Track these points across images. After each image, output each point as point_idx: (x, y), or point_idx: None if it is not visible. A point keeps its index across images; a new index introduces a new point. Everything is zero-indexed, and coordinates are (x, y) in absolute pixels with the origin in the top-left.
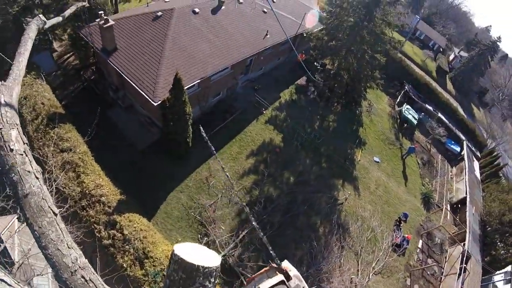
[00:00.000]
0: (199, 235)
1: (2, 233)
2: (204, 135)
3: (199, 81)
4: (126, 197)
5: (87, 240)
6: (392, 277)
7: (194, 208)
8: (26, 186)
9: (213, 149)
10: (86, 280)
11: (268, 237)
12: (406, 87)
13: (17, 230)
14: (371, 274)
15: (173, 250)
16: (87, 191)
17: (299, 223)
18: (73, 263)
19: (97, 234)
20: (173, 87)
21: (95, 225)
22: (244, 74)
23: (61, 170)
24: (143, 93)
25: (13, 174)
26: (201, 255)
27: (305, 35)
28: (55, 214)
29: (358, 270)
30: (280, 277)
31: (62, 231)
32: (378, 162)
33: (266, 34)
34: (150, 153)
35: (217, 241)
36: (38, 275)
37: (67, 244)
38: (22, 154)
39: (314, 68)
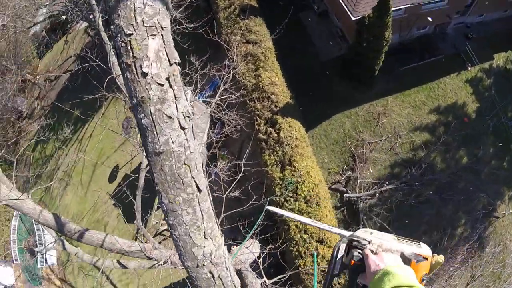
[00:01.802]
0: (344, 166)
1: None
2: None
3: (408, 6)
4: (294, 103)
5: (245, 129)
6: None
7: (353, 138)
8: (161, 140)
9: None
10: (213, 277)
11: (406, 205)
12: None
13: (189, 102)
14: None
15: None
16: (261, 85)
17: (444, 210)
18: (204, 256)
19: (256, 127)
20: (378, 4)
21: (257, 117)
22: (460, 14)
23: (242, 60)
24: (342, 3)
25: (143, 115)
26: None
27: None
28: (199, 190)
29: None
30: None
31: (202, 214)
32: None
33: None
34: (330, 67)
35: (358, 181)
36: None
37: (204, 232)
38: (162, 84)
39: None
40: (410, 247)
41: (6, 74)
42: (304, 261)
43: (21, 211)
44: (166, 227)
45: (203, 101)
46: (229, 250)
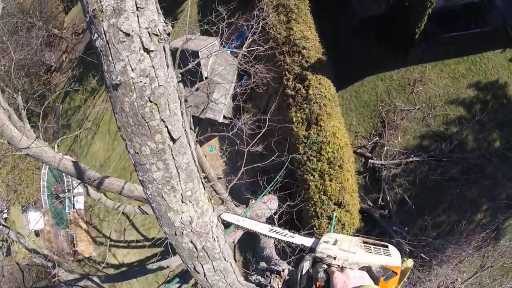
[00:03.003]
0: (373, 131)
1: (201, 50)
2: None
3: None
4: (326, 59)
5: (272, 83)
6: None
7: (385, 103)
8: (117, 67)
9: None
10: (196, 248)
11: (430, 180)
12: None
13: (215, 52)
14: None
15: None
16: (292, 39)
17: (468, 193)
18: (182, 224)
19: (284, 82)
20: None
21: (286, 72)
22: None
23: (273, 11)
24: None
25: (96, 36)
26: None
27: None
28: (172, 139)
29: (467, 280)
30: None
31: (178, 171)
32: None
33: None
34: (367, 26)
35: (385, 148)
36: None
37: (182, 195)
38: None
39: None
40: (378, 258)
41: (32, 30)
42: (319, 222)
43: (41, 160)
44: None
45: (230, 52)
46: (247, 203)
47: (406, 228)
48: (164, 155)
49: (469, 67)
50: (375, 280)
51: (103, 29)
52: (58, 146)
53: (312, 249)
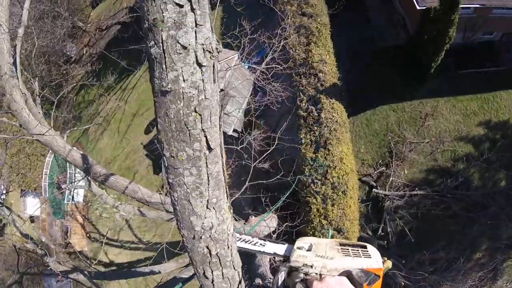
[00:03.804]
0: (380, 160)
1: (220, 62)
2: None
3: (478, 6)
4: (341, 85)
5: (287, 102)
6: None
7: (395, 134)
8: (170, 75)
9: None
10: (210, 254)
11: (432, 215)
12: None
13: (234, 66)
14: None
15: None
16: (310, 61)
17: (469, 230)
18: (203, 229)
19: (297, 102)
20: None
21: (301, 93)
22: None
23: (295, 32)
24: None
25: (153, 43)
26: None
27: None
28: (209, 148)
29: None
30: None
31: (209, 179)
32: None
33: None
34: (384, 55)
35: (391, 178)
36: None
37: (207, 201)
38: (181, 5)
39: None
40: (358, 261)
41: (57, 20)
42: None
43: (50, 148)
44: None
45: (248, 67)
46: (246, 218)
47: (404, 261)
48: (199, 162)
49: (482, 105)
50: (358, 286)
51: (162, 38)
52: (66, 137)
53: (286, 257)
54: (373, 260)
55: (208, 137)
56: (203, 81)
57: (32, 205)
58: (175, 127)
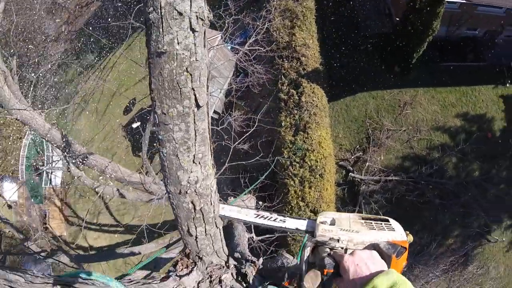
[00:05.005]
0: (357, 146)
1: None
2: None
3: (464, 1)
4: (323, 70)
5: (268, 85)
6: None
7: (373, 120)
8: (166, 38)
9: None
10: (194, 209)
11: (406, 201)
12: None
13: (216, 46)
14: None
15: None
16: (293, 45)
17: (441, 217)
18: (189, 183)
19: (279, 85)
20: None
21: (282, 76)
22: None
23: (280, 15)
24: None
25: (151, 9)
26: None
27: None
28: (197, 105)
29: None
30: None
31: (196, 134)
32: None
33: None
34: (368, 43)
35: (367, 164)
36: None
37: (194, 156)
38: None
39: None
40: (384, 234)
41: None
42: None
43: (30, 126)
44: None
45: (231, 48)
46: (226, 200)
47: None
48: (187, 118)
49: (460, 98)
50: (387, 258)
51: (160, 5)
52: (44, 117)
53: (309, 232)
54: (397, 233)
55: (197, 95)
56: (195, 44)
57: (10, 190)
58: (167, 85)
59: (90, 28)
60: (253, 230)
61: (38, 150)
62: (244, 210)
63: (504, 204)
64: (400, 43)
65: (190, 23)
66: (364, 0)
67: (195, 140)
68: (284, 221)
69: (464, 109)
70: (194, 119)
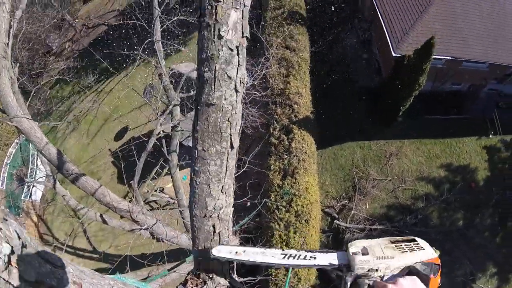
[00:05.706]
0: (343, 194)
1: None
2: None
3: (450, 58)
4: (313, 118)
5: (260, 128)
6: None
7: (359, 170)
8: (216, 94)
9: None
10: (214, 231)
11: None
12: None
13: None
14: None
15: None
16: (287, 92)
17: None
18: (214, 209)
19: (270, 130)
20: (421, 49)
21: (275, 121)
22: (498, 81)
23: (277, 63)
24: (387, 37)
25: (207, 69)
26: None
27: None
28: (232, 147)
29: None
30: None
31: (227, 169)
32: None
33: None
34: (357, 95)
35: (352, 212)
36: None
37: (222, 186)
38: (232, 50)
39: None
40: (417, 255)
41: (48, 8)
42: (277, 272)
43: (28, 137)
44: (155, 198)
45: None
46: None
47: None
48: (223, 156)
49: (444, 149)
50: (425, 279)
51: (215, 68)
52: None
53: (345, 266)
54: (428, 251)
55: (232, 140)
56: (236, 101)
57: None
58: (211, 129)
59: (94, 50)
60: (235, 271)
61: (24, 161)
62: (269, 250)
63: (488, 252)
64: (388, 96)
65: (235, 85)
66: (356, 55)
67: (226, 173)
68: (315, 258)
69: (449, 160)
70: (227, 157)
